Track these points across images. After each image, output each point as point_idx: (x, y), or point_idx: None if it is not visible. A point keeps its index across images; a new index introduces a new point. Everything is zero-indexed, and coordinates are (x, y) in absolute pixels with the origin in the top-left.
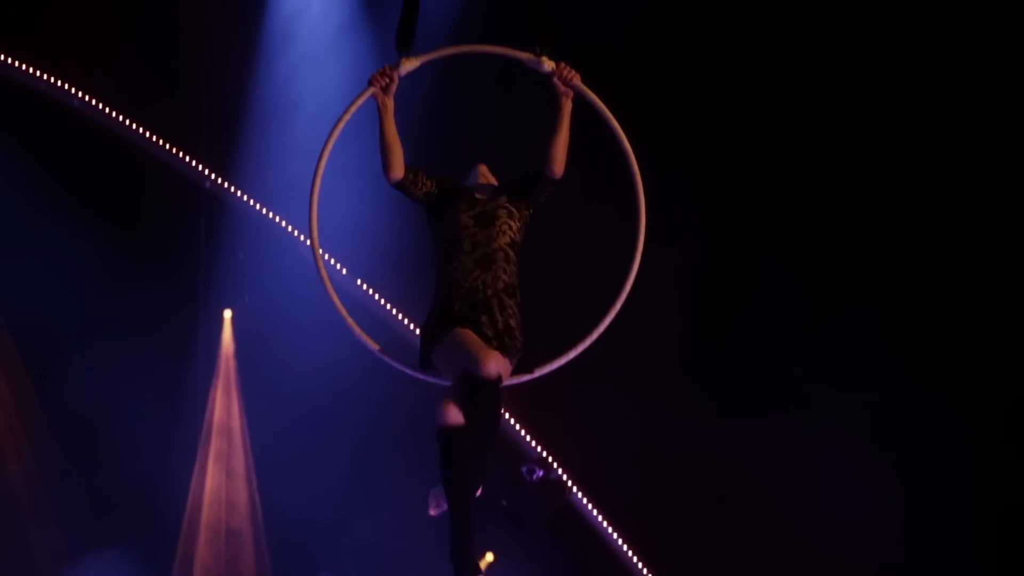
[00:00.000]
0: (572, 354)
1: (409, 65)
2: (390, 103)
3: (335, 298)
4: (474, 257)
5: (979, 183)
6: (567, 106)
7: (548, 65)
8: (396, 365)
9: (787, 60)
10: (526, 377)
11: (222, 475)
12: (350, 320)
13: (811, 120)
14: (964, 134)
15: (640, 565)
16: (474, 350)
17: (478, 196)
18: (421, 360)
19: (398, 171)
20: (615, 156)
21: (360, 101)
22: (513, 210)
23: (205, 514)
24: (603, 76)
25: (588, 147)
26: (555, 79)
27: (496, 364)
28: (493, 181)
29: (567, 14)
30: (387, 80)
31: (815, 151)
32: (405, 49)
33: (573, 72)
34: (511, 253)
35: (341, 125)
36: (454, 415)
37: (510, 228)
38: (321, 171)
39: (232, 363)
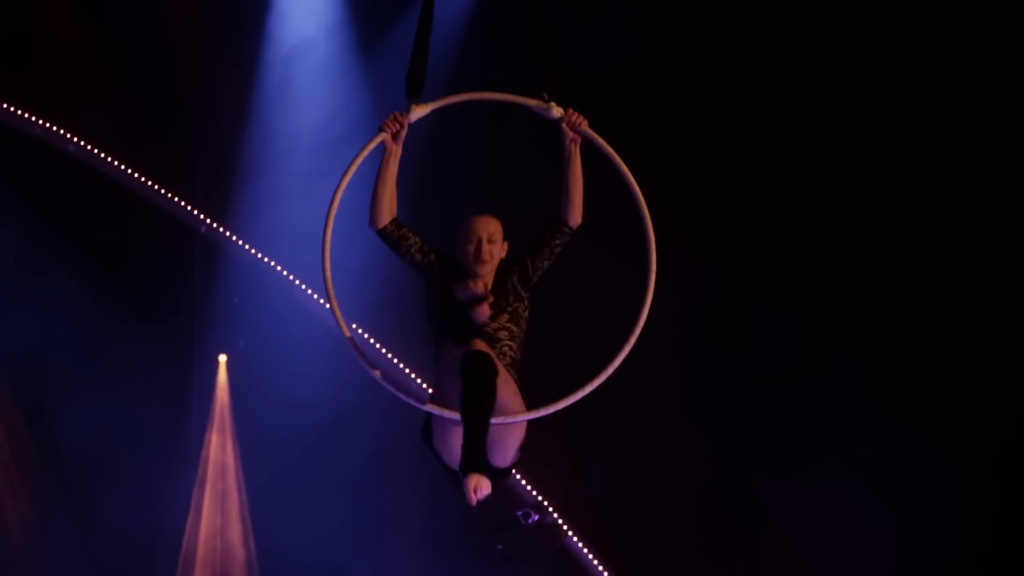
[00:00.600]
0: (580, 395)
1: (419, 111)
2: (398, 150)
3: (348, 333)
4: None
5: (976, 230)
6: (576, 152)
7: (556, 111)
8: (404, 397)
9: (791, 111)
10: (533, 414)
11: (218, 519)
12: (360, 354)
13: (809, 174)
14: (960, 180)
15: None
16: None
17: (478, 320)
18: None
19: (385, 220)
20: (617, 200)
21: (370, 147)
22: (515, 328)
23: (200, 559)
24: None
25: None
26: (563, 125)
27: (481, 345)
28: (499, 245)
29: (573, 56)
30: (398, 126)
31: (809, 202)
32: (415, 96)
33: (581, 118)
34: (511, 372)
35: (353, 170)
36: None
37: (511, 348)
38: (332, 218)
39: (227, 408)
